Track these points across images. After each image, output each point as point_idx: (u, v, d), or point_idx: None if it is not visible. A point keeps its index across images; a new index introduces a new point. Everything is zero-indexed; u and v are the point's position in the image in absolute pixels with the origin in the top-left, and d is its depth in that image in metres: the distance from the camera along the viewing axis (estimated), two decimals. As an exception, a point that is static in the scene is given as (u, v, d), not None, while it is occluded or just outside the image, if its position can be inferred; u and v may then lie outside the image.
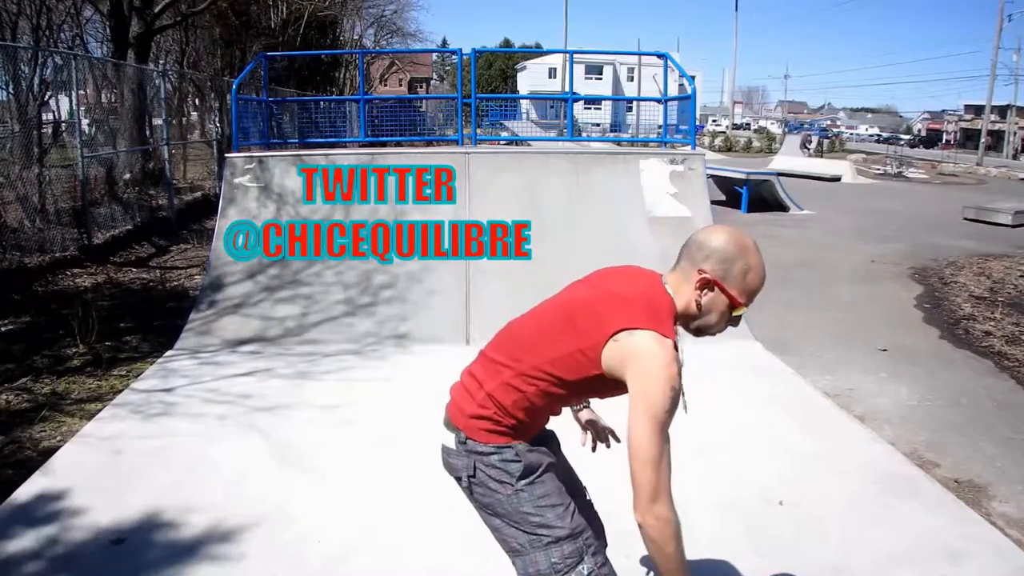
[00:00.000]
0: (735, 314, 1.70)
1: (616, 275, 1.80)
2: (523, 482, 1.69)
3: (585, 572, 1.68)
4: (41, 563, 2.73)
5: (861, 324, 6.55)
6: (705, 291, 1.68)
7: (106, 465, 3.49)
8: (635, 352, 1.56)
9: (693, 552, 2.87)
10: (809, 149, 28.10)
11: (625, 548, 2.91)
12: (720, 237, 1.68)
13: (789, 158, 25.00)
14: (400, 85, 53.73)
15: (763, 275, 1.70)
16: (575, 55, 10.69)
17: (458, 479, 1.81)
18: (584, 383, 1.67)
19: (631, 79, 54.74)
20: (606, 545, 1.94)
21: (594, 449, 2.07)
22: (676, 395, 1.55)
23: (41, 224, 7.77)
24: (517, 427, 1.72)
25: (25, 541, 2.85)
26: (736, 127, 60.15)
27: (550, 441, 1.88)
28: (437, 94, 48.32)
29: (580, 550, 1.69)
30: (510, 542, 1.73)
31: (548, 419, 1.82)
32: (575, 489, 1.92)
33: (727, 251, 1.66)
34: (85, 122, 10.23)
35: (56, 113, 13.77)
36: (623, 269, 1.83)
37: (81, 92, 9.41)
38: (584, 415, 2.02)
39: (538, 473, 1.71)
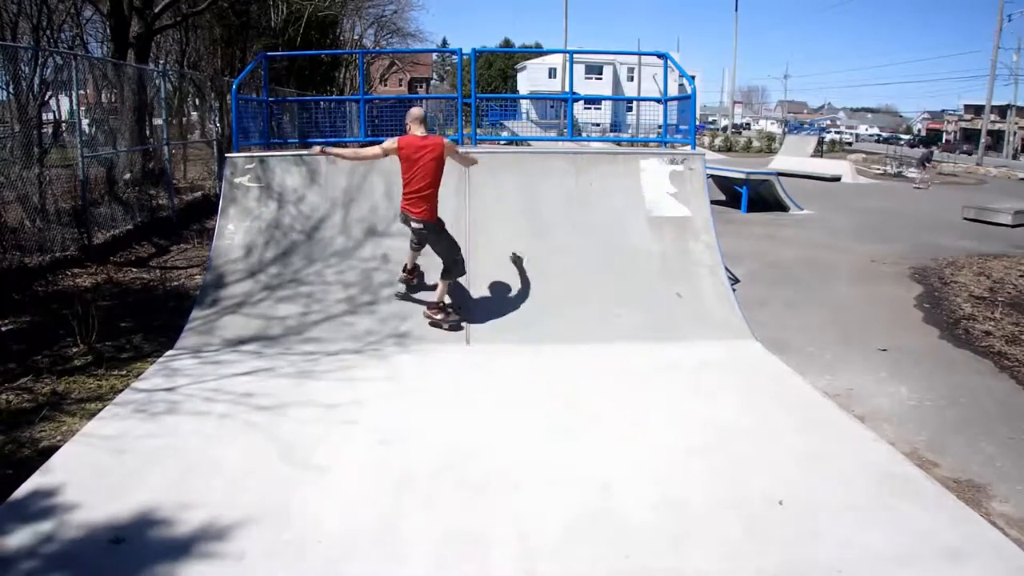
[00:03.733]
0: None
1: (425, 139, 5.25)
2: (443, 232, 5.45)
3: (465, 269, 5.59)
4: (41, 562, 2.73)
5: (861, 324, 6.56)
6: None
7: (107, 464, 3.49)
8: (446, 141, 5.32)
9: (693, 552, 2.88)
10: (927, 166, 23.76)
11: (625, 548, 2.92)
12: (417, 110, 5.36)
13: (789, 158, 25.00)
14: (400, 85, 53.73)
15: None
16: (575, 55, 10.70)
17: (421, 232, 5.32)
18: (441, 169, 5.28)
19: (631, 79, 54.73)
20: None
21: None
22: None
23: (41, 224, 7.77)
24: (437, 210, 5.37)
25: (25, 540, 2.85)
26: (736, 127, 60.05)
27: None
28: (437, 94, 48.32)
29: (462, 261, 5.54)
30: (442, 252, 5.43)
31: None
32: None
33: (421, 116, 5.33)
34: (85, 122, 10.23)
35: (56, 113, 13.77)
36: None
37: (81, 92, 9.40)
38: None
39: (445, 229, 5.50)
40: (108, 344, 5.38)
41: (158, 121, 12.41)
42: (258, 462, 3.57)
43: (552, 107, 31.46)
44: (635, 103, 18.62)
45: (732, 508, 3.18)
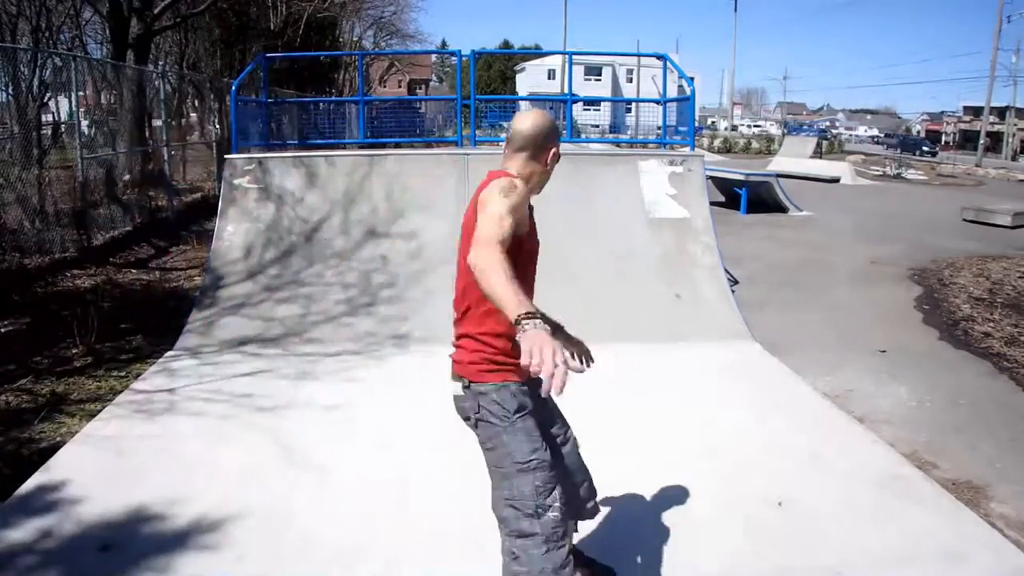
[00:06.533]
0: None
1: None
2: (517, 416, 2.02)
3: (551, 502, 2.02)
4: (41, 562, 2.73)
5: (860, 325, 6.56)
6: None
7: (107, 465, 3.49)
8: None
9: (693, 552, 2.88)
10: None
11: (625, 548, 2.92)
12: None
13: (788, 159, 25.01)
14: (399, 86, 53.73)
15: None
16: (574, 56, 10.69)
17: (467, 419, 2.12)
18: None
19: (630, 80, 54.78)
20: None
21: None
22: (516, 208, 2.08)
23: (41, 225, 7.76)
24: (505, 361, 2.05)
25: (26, 540, 2.85)
26: (735, 128, 60.11)
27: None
28: (436, 95, 48.35)
29: (551, 478, 2.03)
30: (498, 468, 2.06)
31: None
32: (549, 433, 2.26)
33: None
34: (84, 123, 10.24)
35: (56, 114, 13.77)
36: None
37: (81, 93, 9.41)
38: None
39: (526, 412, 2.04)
40: (108, 345, 5.38)
41: (157, 122, 12.43)
42: (258, 463, 3.56)
43: (551, 108, 31.52)
44: (634, 104, 18.65)
45: (731, 509, 3.18)
